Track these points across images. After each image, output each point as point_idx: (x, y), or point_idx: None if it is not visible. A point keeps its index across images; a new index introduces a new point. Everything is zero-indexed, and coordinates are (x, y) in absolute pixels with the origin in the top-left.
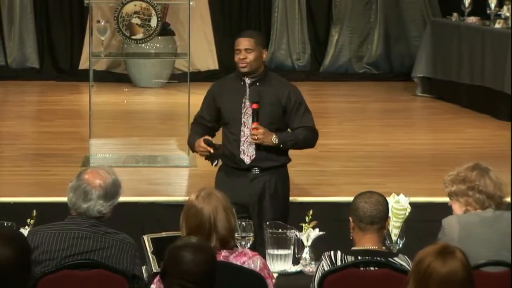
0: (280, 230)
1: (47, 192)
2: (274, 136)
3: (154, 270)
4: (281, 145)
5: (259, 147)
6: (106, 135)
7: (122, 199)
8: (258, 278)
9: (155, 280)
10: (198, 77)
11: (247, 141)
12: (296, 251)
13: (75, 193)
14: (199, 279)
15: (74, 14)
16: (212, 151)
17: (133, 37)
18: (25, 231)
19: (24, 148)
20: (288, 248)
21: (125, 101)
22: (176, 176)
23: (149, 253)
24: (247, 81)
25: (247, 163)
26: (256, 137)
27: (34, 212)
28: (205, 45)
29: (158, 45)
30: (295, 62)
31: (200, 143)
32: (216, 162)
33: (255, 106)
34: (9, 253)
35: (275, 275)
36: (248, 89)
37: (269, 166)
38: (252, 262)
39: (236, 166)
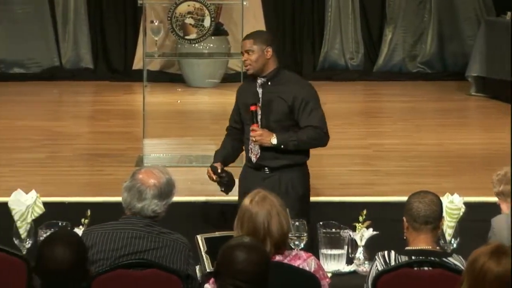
0: (333, 230)
1: (101, 192)
2: (274, 137)
3: (208, 270)
4: (282, 146)
5: (263, 146)
6: (159, 135)
7: (176, 198)
8: (313, 279)
9: (210, 281)
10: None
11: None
12: (349, 251)
13: (129, 193)
14: (252, 279)
15: (128, 14)
16: (215, 178)
17: (186, 37)
18: (79, 231)
19: (79, 148)
20: (341, 248)
21: (178, 101)
22: None
23: (203, 253)
24: (258, 81)
25: (253, 162)
26: (254, 139)
27: (89, 212)
28: None
29: (211, 45)
30: (348, 61)
31: (209, 169)
32: (223, 189)
33: (253, 108)
34: (68, 255)
35: (329, 275)
36: (258, 89)
37: (278, 165)
38: (306, 264)
39: (250, 165)
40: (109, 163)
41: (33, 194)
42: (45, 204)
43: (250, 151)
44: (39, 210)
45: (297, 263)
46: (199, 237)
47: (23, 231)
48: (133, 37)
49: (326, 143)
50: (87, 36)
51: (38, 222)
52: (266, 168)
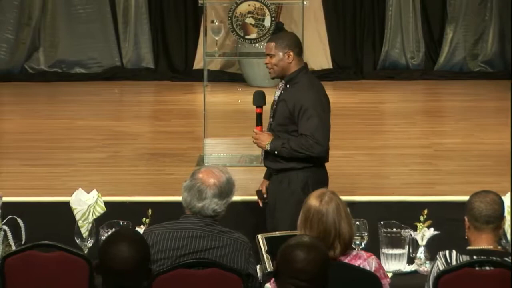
0: (394, 230)
1: (162, 192)
2: (269, 142)
3: (268, 269)
4: (276, 152)
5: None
6: (220, 134)
7: (236, 198)
8: (374, 278)
9: (270, 281)
10: None
11: None
12: (410, 250)
13: (189, 193)
14: (312, 278)
15: (189, 14)
16: (261, 205)
17: (247, 37)
18: (140, 230)
19: (140, 148)
20: (402, 247)
21: (239, 101)
22: None
23: (263, 252)
24: (280, 84)
25: (260, 163)
26: (252, 141)
27: (150, 211)
28: (318, 45)
29: None
30: (409, 60)
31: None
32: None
33: (258, 110)
34: (132, 254)
35: (390, 274)
36: (277, 91)
37: (278, 168)
38: (367, 263)
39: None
40: (170, 162)
41: (94, 193)
42: (106, 203)
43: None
44: (100, 209)
45: (357, 262)
46: (259, 236)
47: (84, 230)
48: (194, 36)
49: (318, 152)
50: (148, 35)
51: (99, 222)
52: (272, 169)
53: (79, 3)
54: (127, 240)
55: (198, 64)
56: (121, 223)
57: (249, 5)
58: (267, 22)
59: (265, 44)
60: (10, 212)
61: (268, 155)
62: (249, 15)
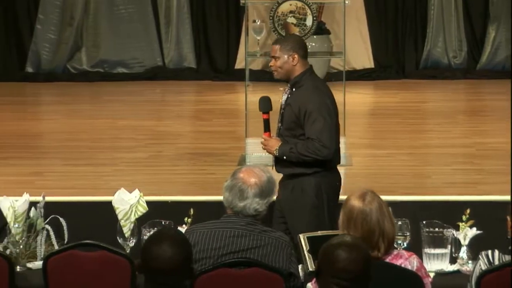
0: (437, 229)
1: (203, 191)
2: (277, 147)
3: (310, 269)
4: (284, 157)
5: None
6: (262, 134)
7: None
8: (416, 278)
9: (312, 281)
10: (353, 75)
11: None
12: (453, 250)
13: (230, 192)
14: (354, 278)
15: (231, 14)
16: None
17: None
18: (182, 229)
19: (182, 148)
20: (445, 247)
21: (280, 100)
22: None
23: (305, 252)
24: (286, 88)
25: (272, 169)
26: (262, 147)
27: (192, 211)
28: (360, 44)
29: (313, 44)
30: (451, 60)
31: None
32: None
33: (265, 116)
34: (175, 253)
35: (432, 274)
36: (283, 95)
37: (290, 174)
38: (408, 263)
39: None
40: (211, 162)
41: (136, 193)
42: (148, 203)
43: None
44: (142, 209)
45: (399, 262)
46: (301, 236)
47: (126, 230)
48: (236, 36)
49: (325, 155)
50: (190, 35)
51: (141, 221)
52: (282, 175)
53: (121, 3)
54: (170, 239)
55: (239, 63)
56: (163, 222)
57: (290, 4)
58: (309, 21)
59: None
60: (53, 212)
61: (278, 161)
62: (290, 15)
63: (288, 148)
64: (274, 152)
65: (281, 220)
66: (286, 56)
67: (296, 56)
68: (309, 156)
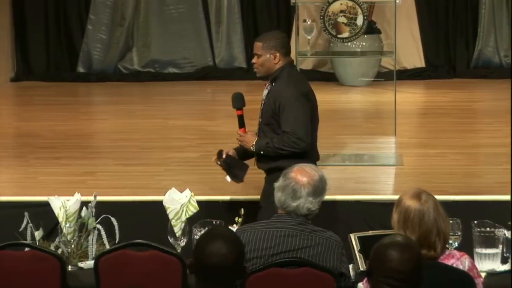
0: (488, 229)
1: (254, 191)
2: (253, 143)
3: (361, 269)
4: (261, 152)
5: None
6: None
7: (329, 197)
8: (467, 278)
9: (363, 281)
10: (404, 75)
11: None
12: (504, 250)
13: (283, 192)
14: (406, 278)
15: (281, 13)
16: (213, 160)
17: (339, 36)
18: (233, 229)
19: (233, 147)
20: (496, 247)
21: (331, 100)
22: (382, 175)
23: (356, 252)
24: (267, 84)
25: (254, 165)
26: (239, 143)
27: (242, 211)
28: (411, 43)
29: (364, 43)
30: (502, 59)
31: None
32: (228, 177)
33: (238, 112)
34: (229, 251)
35: (483, 274)
36: (265, 90)
37: (269, 168)
38: (460, 263)
39: None
40: None
41: (187, 193)
42: (199, 202)
43: None
44: (193, 208)
45: (450, 261)
46: (352, 235)
47: (177, 229)
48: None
49: (301, 148)
50: (240, 35)
51: (192, 221)
52: (265, 169)
53: (172, 2)
54: (224, 237)
55: None
56: (214, 222)
57: (341, 4)
58: (360, 21)
59: (355, 43)
60: (104, 211)
61: (259, 157)
62: (341, 14)
63: (264, 143)
64: (251, 147)
65: None
66: (268, 55)
67: (277, 54)
68: (285, 150)
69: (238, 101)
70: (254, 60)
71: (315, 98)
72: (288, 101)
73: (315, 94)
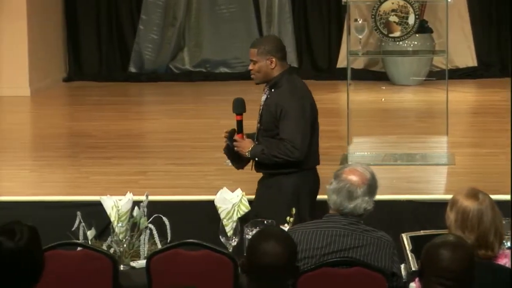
0: None
1: None
2: (249, 149)
3: (413, 269)
4: (256, 158)
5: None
6: (364, 133)
7: (380, 197)
8: None
9: (415, 280)
10: (456, 74)
11: None
12: None
13: (339, 195)
14: (457, 277)
15: (332, 13)
16: (224, 135)
17: (390, 35)
18: (284, 229)
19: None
20: None
21: (383, 99)
22: (435, 174)
23: (408, 252)
24: (265, 89)
25: (252, 169)
26: (235, 149)
27: (293, 210)
28: (463, 42)
29: (415, 42)
30: None
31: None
32: (229, 162)
33: (238, 118)
34: (283, 250)
35: None
36: (263, 96)
37: (268, 173)
38: None
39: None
40: None
41: (238, 192)
42: (251, 202)
43: None
44: (244, 208)
45: (503, 261)
46: (404, 235)
47: (229, 229)
48: (337, 35)
49: (296, 157)
50: (292, 35)
51: (243, 221)
52: (263, 173)
53: (223, 2)
54: (277, 237)
55: (341, 62)
56: (265, 222)
57: (392, 3)
58: (411, 20)
59: (407, 42)
60: (156, 211)
61: (256, 162)
62: (392, 13)
63: (260, 150)
64: (246, 153)
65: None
66: (264, 60)
67: (273, 59)
68: (279, 158)
69: (239, 107)
70: (250, 67)
71: (316, 106)
72: (291, 109)
73: (315, 101)
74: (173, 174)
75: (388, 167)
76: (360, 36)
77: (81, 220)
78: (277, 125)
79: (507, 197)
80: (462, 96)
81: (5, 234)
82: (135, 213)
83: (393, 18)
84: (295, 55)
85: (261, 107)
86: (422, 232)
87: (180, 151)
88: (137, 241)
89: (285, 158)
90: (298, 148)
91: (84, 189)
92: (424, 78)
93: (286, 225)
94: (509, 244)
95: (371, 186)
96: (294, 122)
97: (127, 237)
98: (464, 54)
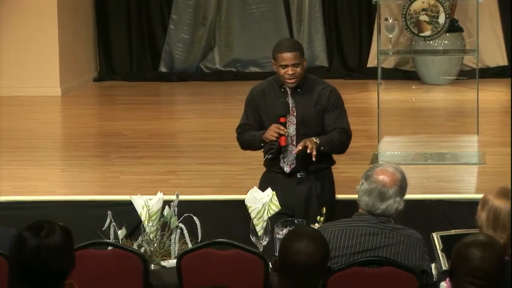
0: None
1: (338, 190)
2: (315, 140)
3: (444, 268)
4: (322, 147)
5: (297, 156)
6: (394, 132)
7: (410, 196)
8: None
9: (446, 280)
10: (486, 73)
11: (287, 149)
12: None
13: (370, 196)
14: (488, 276)
15: (362, 12)
16: (284, 132)
17: (421, 34)
18: (314, 228)
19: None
20: None
21: (413, 99)
22: (465, 173)
23: (439, 251)
24: (288, 89)
25: (287, 172)
26: (308, 151)
27: (324, 209)
28: (494, 41)
29: (446, 41)
30: None
31: (275, 124)
32: (271, 154)
33: (282, 119)
34: (316, 250)
35: None
36: (290, 98)
37: (313, 169)
38: None
39: (279, 171)
40: (343, 160)
41: (269, 191)
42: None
43: (282, 161)
44: (275, 207)
45: None
46: (434, 235)
47: (259, 228)
48: (367, 34)
49: (347, 147)
50: (322, 34)
51: (274, 220)
52: (302, 172)
53: (253, 2)
54: (310, 236)
55: (371, 62)
56: (296, 221)
57: (423, 2)
58: (441, 19)
59: (437, 41)
60: (187, 210)
61: (302, 161)
62: (423, 13)
63: (325, 138)
64: (316, 140)
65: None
66: (304, 62)
67: (305, 59)
68: (341, 147)
69: (286, 109)
70: (291, 71)
71: None
72: (340, 99)
73: None
74: (204, 173)
75: (419, 166)
76: (391, 35)
77: (112, 220)
78: (322, 119)
79: None
80: (492, 95)
81: (32, 231)
82: (165, 212)
83: (423, 17)
84: (325, 54)
85: (293, 108)
86: (453, 232)
87: (211, 150)
88: (167, 241)
89: (344, 148)
90: (351, 137)
91: (115, 189)
92: (454, 77)
93: (316, 224)
94: None
95: (402, 187)
96: (345, 112)
97: (157, 237)
98: (494, 53)
